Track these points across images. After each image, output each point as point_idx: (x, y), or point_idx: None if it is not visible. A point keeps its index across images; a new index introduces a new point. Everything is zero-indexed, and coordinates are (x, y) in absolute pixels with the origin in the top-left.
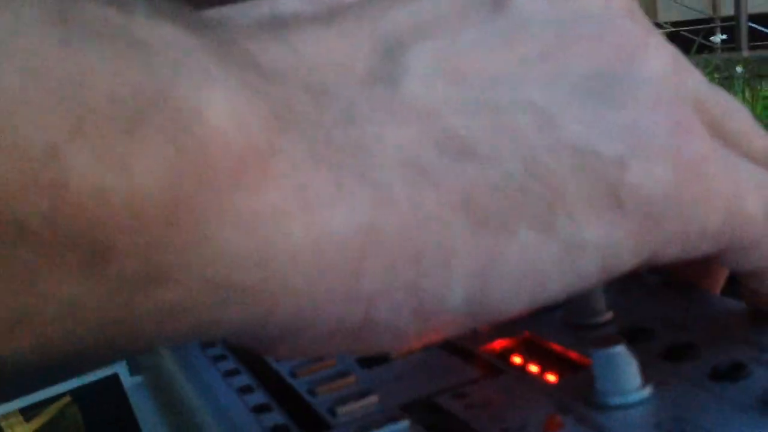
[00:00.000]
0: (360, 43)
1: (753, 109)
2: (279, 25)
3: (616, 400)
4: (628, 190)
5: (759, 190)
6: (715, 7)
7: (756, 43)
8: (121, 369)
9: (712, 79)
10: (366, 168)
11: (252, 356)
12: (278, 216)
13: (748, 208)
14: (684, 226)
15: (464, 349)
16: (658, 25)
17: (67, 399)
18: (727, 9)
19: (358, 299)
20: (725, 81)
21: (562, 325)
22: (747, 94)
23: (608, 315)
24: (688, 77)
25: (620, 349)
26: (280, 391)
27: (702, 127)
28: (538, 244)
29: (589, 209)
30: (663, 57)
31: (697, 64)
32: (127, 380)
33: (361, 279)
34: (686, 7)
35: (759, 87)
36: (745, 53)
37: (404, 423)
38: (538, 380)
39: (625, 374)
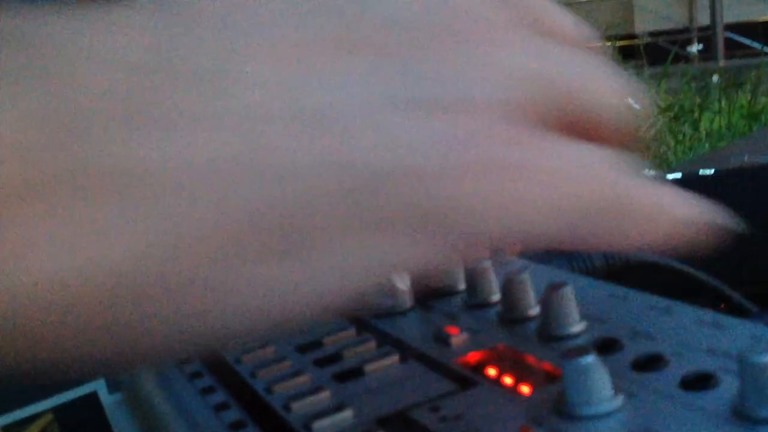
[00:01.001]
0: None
1: (729, 118)
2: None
3: (587, 411)
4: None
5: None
6: (691, 18)
7: (732, 52)
8: (100, 387)
9: (688, 89)
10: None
11: (229, 373)
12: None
13: (529, 216)
14: (462, 236)
15: (439, 363)
16: (635, 36)
17: (49, 417)
18: (703, 19)
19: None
20: (702, 90)
21: (536, 336)
22: (723, 103)
23: (581, 326)
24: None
25: (590, 360)
26: (256, 408)
27: (506, 129)
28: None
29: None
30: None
31: (673, 75)
32: (107, 398)
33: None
34: (663, 17)
35: (735, 96)
36: (722, 63)
37: None
38: (511, 392)
39: (596, 385)
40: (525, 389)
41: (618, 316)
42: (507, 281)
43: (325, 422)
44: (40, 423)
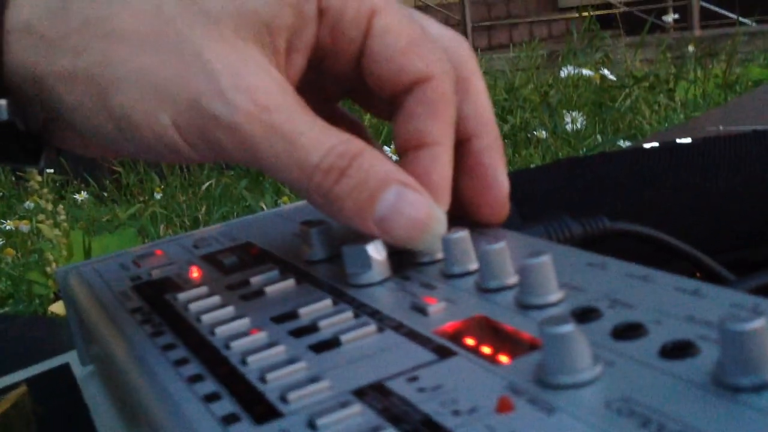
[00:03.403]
0: None
1: (705, 87)
2: None
3: (567, 380)
4: None
5: None
6: None
7: (707, 22)
8: (73, 359)
9: (664, 58)
10: None
11: (201, 345)
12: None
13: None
14: None
15: (416, 333)
16: (611, 5)
17: (23, 388)
18: None
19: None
20: (677, 60)
21: (514, 305)
22: (699, 72)
23: (559, 295)
24: None
25: (569, 328)
26: (231, 380)
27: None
28: None
29: None
30: None
31: (648, 44)
32: (79, 370)
33: None
34: None
35: (710, 65)
36: (697, 32)
37: (356, 407)
38: (490, 361)
39: (575, 353)
40: (504, 359)
41: (596, 284)
42: (484, 250)
43: (301, 393)
44: (14, 395)
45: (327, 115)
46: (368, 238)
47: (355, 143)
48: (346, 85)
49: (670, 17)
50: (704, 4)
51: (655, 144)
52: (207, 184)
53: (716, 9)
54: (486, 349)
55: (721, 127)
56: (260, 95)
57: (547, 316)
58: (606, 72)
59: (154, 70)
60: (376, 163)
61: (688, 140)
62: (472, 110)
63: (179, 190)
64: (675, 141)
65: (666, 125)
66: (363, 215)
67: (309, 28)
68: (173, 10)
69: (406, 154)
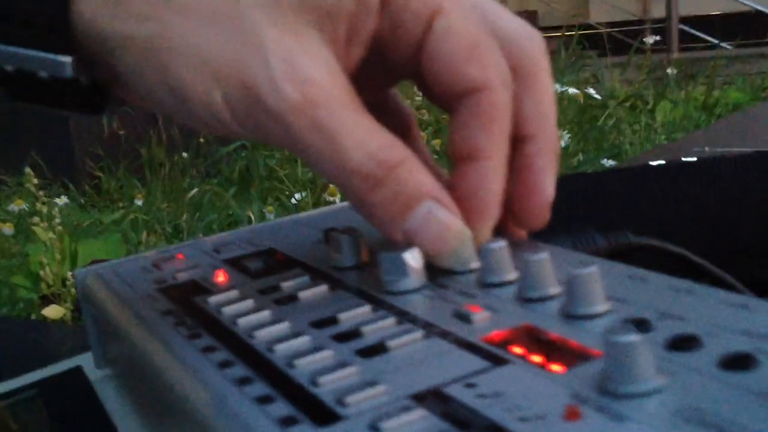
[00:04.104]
0: None
1: (685, 108)
2: None
3: (631, 389)
4: None
5: None
6: (645, 9)
7: (685, 45)
8: (85, 362)
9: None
10: None
11: (242, 347)
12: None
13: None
14: None
15: (464, 340)
16: (591, 26)
17: (33, 391)
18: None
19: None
20: (657, 81)
21: (560, 315)
22: (680, 94)
23: (606, 305)
24: None
25: (636, 338)
26: (280, 383)
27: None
28: None
29: None
30: None
31: (627, 65)
32: (93, 373)
33: None
34: (617, 8)
35: (690, 88)
36: (675, 55)
37: (418, 412)
38: (544, 370)
39: (640, 363)
40: (556, 368)
41: (641, 296)
42: (528, 260)
43: (359, 396)
44: (24, 397)
45: (378, 101)
46: (401, 245)
47: (397, 151)
48: (402, 74)
49: (650, 39)
50: (683, 27)
51: (662, 162)
52: (193, 191)
53: (693, 32)
54: (536, 358)
55: (706, 149)
56: (311, 88)
57: (611, 326)
58: (592, 91)
59: (210, 48)
60: (414, 175)
61: (695, 159)
62: (533, 110)
63: (161, 197)
64: (681, 159)
65: (648, 145)
66: (392, 225)
67: (370, 18)
68: None
69: (458, 163)
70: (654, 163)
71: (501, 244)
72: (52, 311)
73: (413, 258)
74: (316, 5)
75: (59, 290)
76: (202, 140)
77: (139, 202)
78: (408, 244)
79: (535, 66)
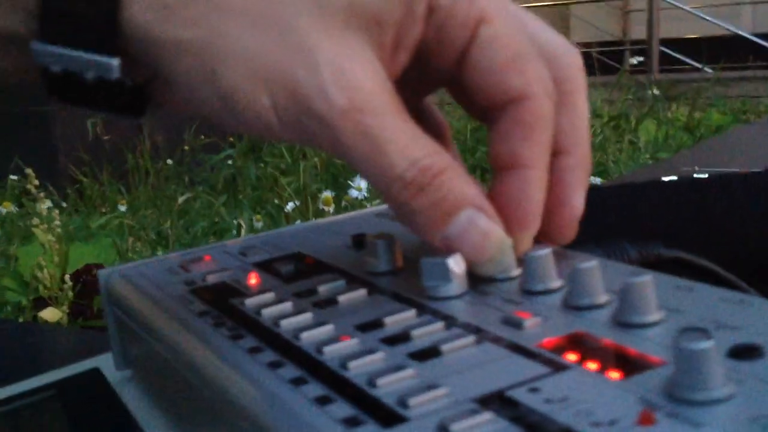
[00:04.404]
0: None
1: (668, 129)
2: None
3: (702, 396)
4: None
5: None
6: (625, 31)
7: (664, 67)
8: (103, 363)
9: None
10: None
11: (290, 349)
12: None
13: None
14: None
15: (518, 346)
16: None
17: (51, 391)
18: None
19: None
20: (639, 102)
21: (612, 323)
22: (663, 114)
23: (660, 314)
24: None
25: (709, 345)
26: (336, 384)
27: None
28: None
29: None
30: None
31: (606, 85)
32: (113, 375)
33: None
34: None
35: (672, 109)
36: (656, 76)
37: (486, 415)
38: (602, 376)
39: (712, 370)
40: (614, 375)
41: (693, 306)
42: (576, 269)
43: (422, 398)
44: (42, 397)
45: (414, 108)
46: (439, 251)
47: (441, 159)
48: (442, 82)
49: (634, 60)
50: (663, 49)
51: (674, 178)
52: (182, 198)
53: (675, 55)
54: (591, 365)
55: (696, 168)
56: (358, 94)
57: (682, 333)
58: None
59: (259, 53)
60: (456, 183)
61: (706, 175)
62: (569, 125)
63: (147, 203)
64: (693, 176)
65: (632, 164)
66: (432, 232)
67: (416, 25)
68: None
69: (499, 172)
70: (666, 179)
71: (545, 251)
72: (50, 314)
73: (456, 264)
74: (363, 12)
75: (56, 293)
76: (186, 148)
77: (122, 208)
78: (449, 251)
79: (574, 81)
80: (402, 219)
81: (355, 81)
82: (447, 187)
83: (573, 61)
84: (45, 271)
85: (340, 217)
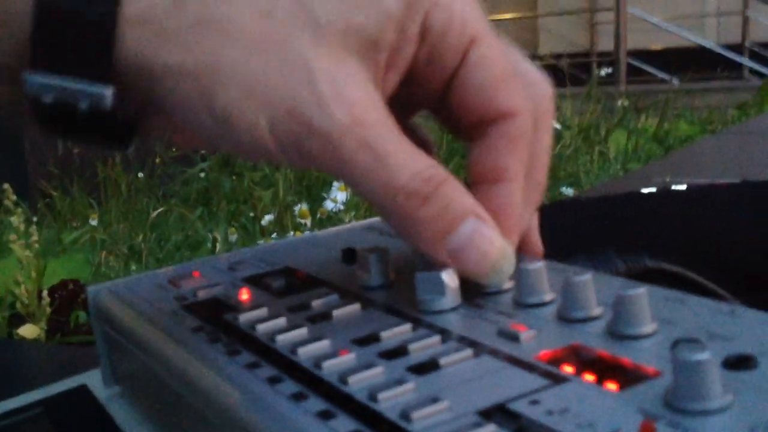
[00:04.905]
0: None
1: (637, 140)
2: None
3: (702, 406)
4: None
5: None
6: (592, 42)
7: (631, 78)
8: (90, 380)
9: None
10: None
11: (287, 364)
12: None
13: None
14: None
15: (516, 358)
16: (539, 57)
17: (39, 409)
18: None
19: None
20: (608, 113)
21: (606, 335)
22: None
23: (653, 326)
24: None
25: (706, 356)
26: (337, 398)
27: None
28: None
29: None
30: None
31: (575, 96)
32: (102, 391)
33: None
34: (565, 41)
35: (644, 119)
36: (622, 87)
37: (490, 427)
38: (600, 388)
39: (710, 381)
40: (611, 386)
41: (684, 318)
42: (570, 281)
43: (424, 412)
44: (30, 415)
45: (402, 127)
46: (431, 265)
47: (441, 170)
48: (428, 102)
49: (603, 71)
50: (632, 61)
51: (653, 190)
52: (156, 212)
53: (638, 65)
54: (589, 377)
55: (668, 179)
56: (358, 109)
57: (678, 344)
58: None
59: (257, 74)
60: (458, 193)
61: (684, 187)
62: (533, 147)
63: (119, 217)
64: (671, 187)
65: (602, 174)
66: (437, 243)
67: (409, 47)
68: (284, 17)
69: (481, 185)
70: (645, 191)
71: (538, 265)
72: (28, 330)
73: (450, 278)
74: (359, 33)
75: (33, 309)
76: (158, 161)
77: (93, 222)
78: (442, 265)
79: (546, 109)
80: (404, 231)
81: (354, 97)
82: (450, 197)
83: (548, 89)
84: (23, 287)
85: (329, 230)
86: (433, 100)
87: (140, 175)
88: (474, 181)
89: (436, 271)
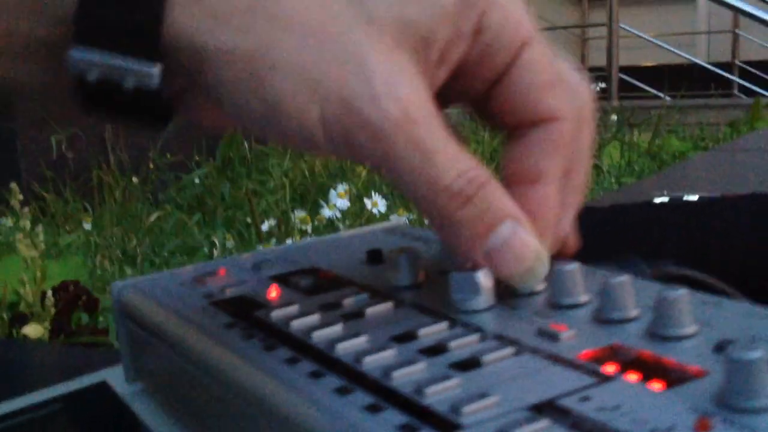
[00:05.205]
0: None
1: (629, 155)
2: None
3: (756, 404)
4: None
5: None
6: (584, 58)
7: (623, 94)
8: (111, 376)
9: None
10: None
11: (328, 360)
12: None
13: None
14: None
15: (559, 357)
16: None
17: (58, 405)
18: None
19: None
20: (602, 128)
21: (647, 335)
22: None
23: (695, 327)
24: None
25: (762, 354)
26: (382, 393)
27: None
28: None
29: None
30: None
31: None
32: (123, 388)
33: None
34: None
35: (638, 134)
36: (614, 102)
37: (543, 422)
38: (645, 386)
39: (763, 378)
40: (656, 385)
41: (723, 320)
42: (608, 283)
43: (474, 407)
44: (49, 411)
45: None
46: (461, 265)
47: (483, 171)
48: (470, 97)
49: (596, 86)
50: (624, 77)
51: (665, 199)
52: (154, 216)
53: (632, 81)
54: (632, 376)
55: (665, 193)
56: (410, 106)
57: (735, 343)
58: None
59: (311, 63)
60: (499, 195)
61: (696, 197)
62: (575, 151)
63: (114, 221)
64: (683, 197)
65: (597, 188)
66: (475, 244)
67: (462, 45)
68: (339, 9)
69: (516, 186)
70: (657, 201)
71: (573, 266)
72: (32, 330)
73: (485, 278)
74: (412, 29)
75: (37, 309)
76: (151, 166)
77: (87, 226)
78: (474, 265)
79: (586, 112)
80: (442, 230)
81: (407, 94)
82: (490, 199)
83: (589, 96)
84: (27, 287)
85: (349, 232)
86: (475, 96)
87: (134, 179)
88: (509, 181)
89: (471, 270)
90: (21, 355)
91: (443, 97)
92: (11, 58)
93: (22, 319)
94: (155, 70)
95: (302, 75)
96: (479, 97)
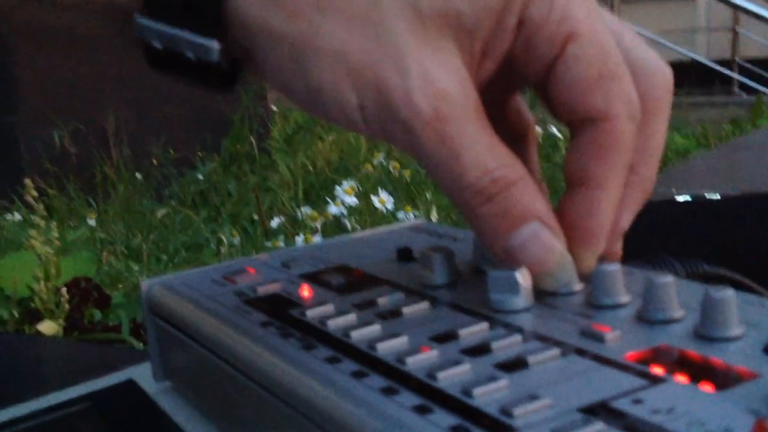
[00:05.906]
0: None
1: None
2: None
3: None
4: None
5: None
6: None
7: None
8: (138, 375)
9: None
10: None
11: (369, 360)
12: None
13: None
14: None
15: (606, 358)
16: None
17: (86, 404)
18: None
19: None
20: None
21: (693, 336)
22: None
23: (742, 329)
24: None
25: None
26: (429, 393)
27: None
28: None
29: None
30: None
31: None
32: (151, 386)
33: None
34: None
35: None
36: None
37: (598, 425)
38: (697, 388)
39: None
40: (707, 387)
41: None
42: (652, 283)
43: (526, 408)
44: (78, 409)
45: (500, 107)
46: (495, 264)
47: (513, 170)
48: (529, 85)
49: None
50: None
51: (688, 198)
52: (162, 212)
53: None
54: (681, 378)
55: (673, 190)
56: (443, 103)
57: None
58: (554, 130)
59: (353, 51)
60: (525, 196)
61: (718, 196)
62: (642, 143)
63: (117, 217)
64: (705, 196)
65: None
66: (495, 241)
67: (506, 37)
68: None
69: (571, 187)
70: (680, 199)
71: (614, 267)
72: (47, 327)
73: (523, 277)
74: (456, 21)
75: (51, 306)
76: (155, 162)
77: (91, 222)
78: (509, 261)
79: (660, 102)
80: (468, 223)
81: (441, 89)
82: (515, 199)
83: (663, 81)
84: (42, 283)
85: (376, 230)
86: (532, 84)
87: (138, 175)
88: (567, 182)
89: (509, 270)
90: (40, 352)
91: (504, 84)
92: (96, 17)
93: (34, 316)
94: (214, 45)
95: (343, 63)
96: (540, 85)
